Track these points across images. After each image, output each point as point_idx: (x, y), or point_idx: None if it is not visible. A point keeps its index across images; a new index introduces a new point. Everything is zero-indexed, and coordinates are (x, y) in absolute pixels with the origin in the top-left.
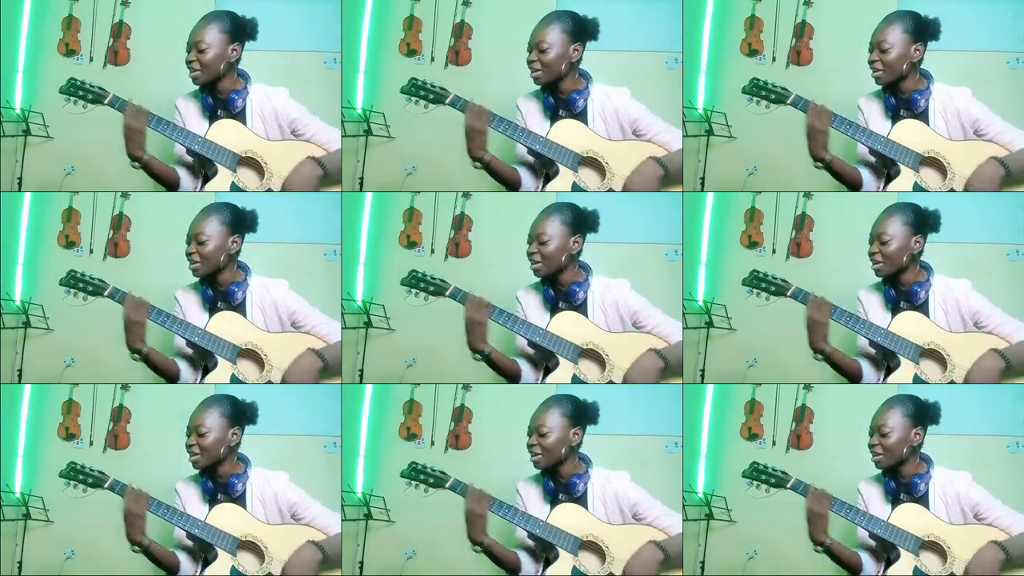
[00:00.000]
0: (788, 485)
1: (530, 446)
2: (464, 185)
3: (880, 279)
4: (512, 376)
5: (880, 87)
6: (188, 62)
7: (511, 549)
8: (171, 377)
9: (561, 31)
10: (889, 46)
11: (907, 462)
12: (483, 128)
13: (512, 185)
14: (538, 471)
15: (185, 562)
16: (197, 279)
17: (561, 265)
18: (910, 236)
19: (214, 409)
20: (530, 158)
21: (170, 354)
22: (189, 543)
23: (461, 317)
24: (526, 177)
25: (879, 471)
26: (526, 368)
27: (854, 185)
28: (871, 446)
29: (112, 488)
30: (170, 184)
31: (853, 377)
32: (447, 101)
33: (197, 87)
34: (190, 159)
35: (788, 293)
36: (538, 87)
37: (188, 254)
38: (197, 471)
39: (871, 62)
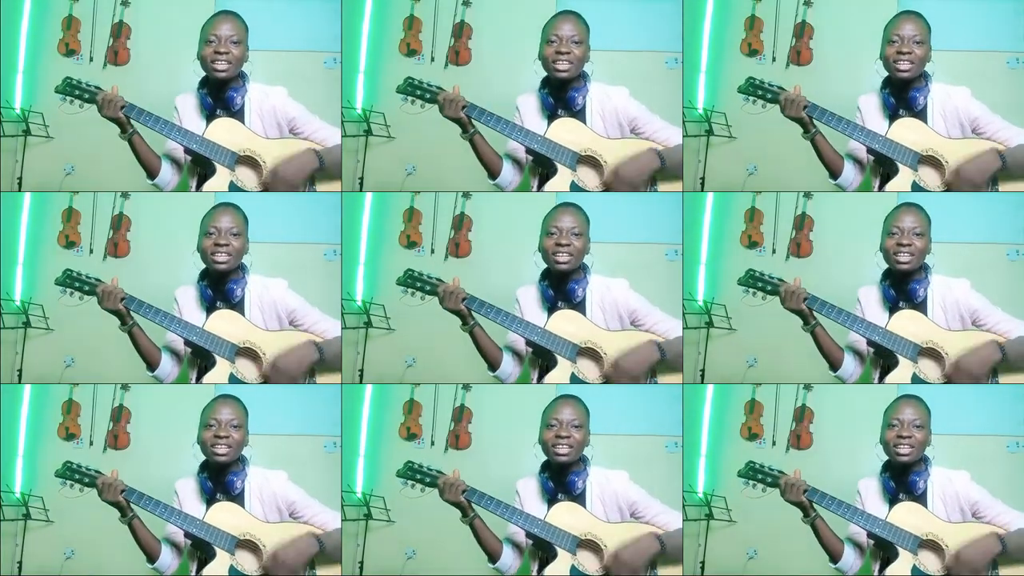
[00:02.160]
0: None
1: (560, 438)
2: (464, 185)
3: (880, 277)
4: (491, 362)
5: (881, 85)
6: (218, 53)
7: (498, 539)
8: (150, 364)
9: (584, 29)
10: (922, 39)
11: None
12: (458, 115)
13: (491, 172)
14: (538, 470)
15: (167, 555)
16: (198, 277)
17: (581, 262)
18: (929, 233)
19: (235, 404)
20: (520, 155)
21: (159, 343)
22: (181, 540)
23: None
24: (508, 169)
25: (880, 469)
26: (508, 360)
27: (833, 172)
28: (899, 438)
29: None
30: (149, 172)
31: (832, 364)
32: None
33: (197, 84)
34: (182, 156)
35: None
36: (538, 85)
37: (217, 245)
38: (198, 469)
39: (901, 53)
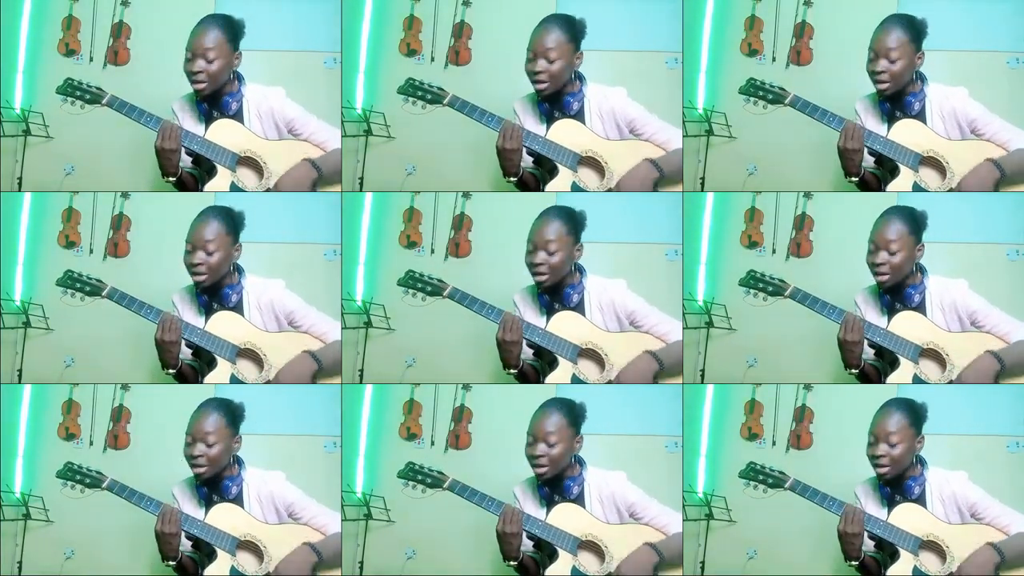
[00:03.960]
0: (786, 486)
1: (536, 456)
2: (464, 185)
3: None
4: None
5: (876, 93)
6: (194, 72)
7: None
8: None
9: (567, 39)
10: (897, 56)
11: (906, 468)
12: (518, 147)
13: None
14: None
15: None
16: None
17: (564, 274)
18: (914, 245)
19: (216, 416)
20: (529, 163)
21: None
22: (189, 549)
23: (462, 317)
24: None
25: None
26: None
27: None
28: (876, 456)
29: (110, 488)
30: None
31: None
32: (445, 102)
33: (192, 92)
34: (190, 164)
35: (786, 294)
36: (533, 93)
37: (193, 264)
38: (193, 476)
39: (877, 72)
